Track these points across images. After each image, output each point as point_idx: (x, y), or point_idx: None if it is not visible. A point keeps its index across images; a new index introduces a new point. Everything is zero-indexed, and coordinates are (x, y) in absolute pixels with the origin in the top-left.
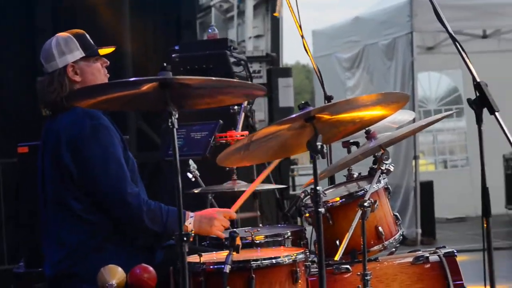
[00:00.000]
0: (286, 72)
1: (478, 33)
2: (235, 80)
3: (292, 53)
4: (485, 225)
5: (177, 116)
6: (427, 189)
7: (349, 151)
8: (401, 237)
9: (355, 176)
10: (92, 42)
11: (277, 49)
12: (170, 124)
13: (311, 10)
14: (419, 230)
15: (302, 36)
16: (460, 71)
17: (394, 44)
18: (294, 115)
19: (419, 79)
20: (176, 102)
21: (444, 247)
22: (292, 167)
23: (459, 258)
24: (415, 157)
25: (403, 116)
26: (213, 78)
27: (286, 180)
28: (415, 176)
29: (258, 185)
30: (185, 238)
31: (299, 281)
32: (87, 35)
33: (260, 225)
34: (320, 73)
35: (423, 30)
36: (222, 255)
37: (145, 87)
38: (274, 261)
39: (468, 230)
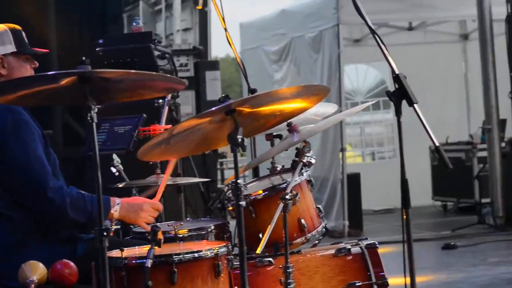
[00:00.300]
0: (214, 65)
1: (404, 25)
2: (154, 73)
3: (222, 46)
4: (404, 217)
5: (96, 110)
6: (354, 181)
7: (272, 144)
8: (324, 229)
9: (278, 168)
10: (27, 41)
11: (205, 42)
12: (89, 118)
13: (240, 2)
14: (346, 222)
15: (225, 29)
16: (387, 63)
17: (321, 37)
18: (214, 108)
19: (346, 71)
20: (96, 96)
21: (366, 239)
22: (220, 160)
23: (386, 249)
24: (342, 150)
25: (326, 108)
26: (132, 71)
27: (214, 173)
28: (342, 168)
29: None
30: (105, 233)
31: (222, 274)
32: (23, 33)
33: (188, 218)
34: (244, 65)
35: (350, 23)
36: (144, 249)
37: (64, 81)
38: (196, 254)
39: (395, 222)
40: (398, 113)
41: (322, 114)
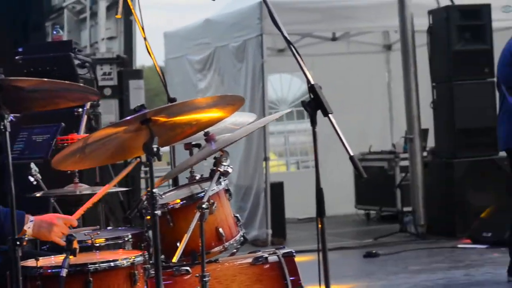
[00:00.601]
0: (137, 74)
1: (327, 36)
2: (68, 82)
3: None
4: (319, 225)
5: (10, 119)
6: (277, 190)
7: (191, 153)
8: (242, 238)
9: (197, 178)
10: None
11: (130, 51)
12: (2, 127)
13: (167, 11)
14: (270, 231)
15: (145, 38)
16: (311, 73)
17: (245, 46)
18: (128, 118)
19: (270, 81)
20: (9, 105)
21: (283, 247)
22: (145, 169)
23: (308, 257)
24: (266, 159)
25: (244, 118)
26: (46, 80)
27: (138, 182)
28: (266, 177)
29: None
30: (18, 242)
31: (138, 283)
32: None
33: (110, 228)
34: (164, 75)
35: (273, 33)
36: (60, 258)
37: None
38: (112, 264)
39: None
40: (313, 123)
41: (240, 123)
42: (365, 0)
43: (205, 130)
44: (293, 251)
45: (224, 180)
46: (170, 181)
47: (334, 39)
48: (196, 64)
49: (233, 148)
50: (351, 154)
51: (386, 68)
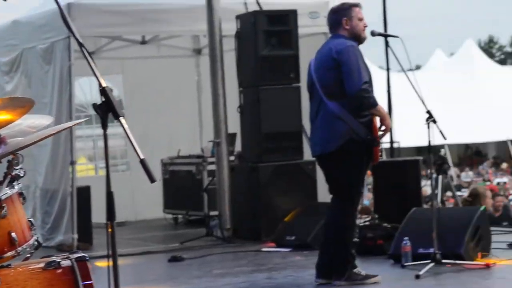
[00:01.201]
0: None
1: (137, 39)
2: None
3: None
4: (110, 230)
5: None
6: (84, 194)
7: None
8: (36, 242)
9: None
10: None
11: None
12: None
13: None
14: (76, 236)
15: None
16: (121, 76)
17: (53, 49)
18: None
19: (80, 84)
20: None
21: (77, 252)
22: None
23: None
24: (72, 163)
25: (41, 120)
26: None
27: None
28: (72, 181)
29: None
30: None
31: None
32: None
33: None
34: None
35: (82, 35)
36: None
37: None
38: None
39: (127, 235)
40: (104, 126)
41: (37, 126)
42: (174, 4)
43: None
44: (86, 256)
45: (18, 184)
46: None
47: (143, 42)
48: (3, 66)
49: (39, 151)
50: (142, 157)
51: (196, 72)
